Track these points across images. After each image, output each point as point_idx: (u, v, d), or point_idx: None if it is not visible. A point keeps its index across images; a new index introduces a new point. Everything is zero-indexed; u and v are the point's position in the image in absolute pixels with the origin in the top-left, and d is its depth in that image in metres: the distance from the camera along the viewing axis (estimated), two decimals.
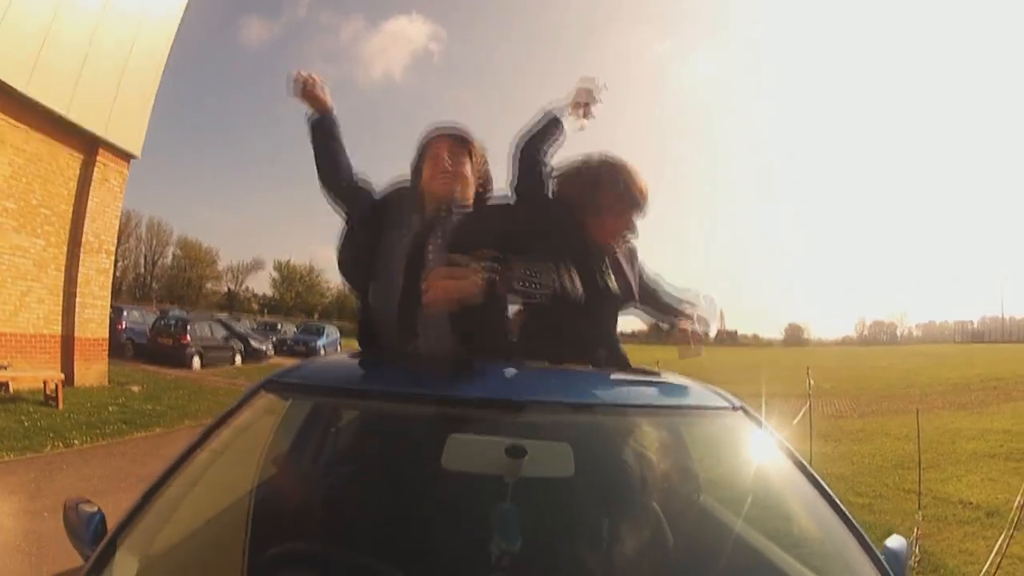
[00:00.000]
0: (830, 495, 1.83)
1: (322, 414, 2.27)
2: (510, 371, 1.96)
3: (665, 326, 2.60)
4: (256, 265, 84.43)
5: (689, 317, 2.53)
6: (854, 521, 1.76)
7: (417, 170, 2.36)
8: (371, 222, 2.35)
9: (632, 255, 2.58)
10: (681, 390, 2.10)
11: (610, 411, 1.93)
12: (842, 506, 1.80)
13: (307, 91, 2.38)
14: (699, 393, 2.10)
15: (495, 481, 1.67)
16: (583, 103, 2.45)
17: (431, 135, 2.36)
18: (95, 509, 1.76)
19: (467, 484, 1.79)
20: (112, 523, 1.71)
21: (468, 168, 2.30)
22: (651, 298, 2.63)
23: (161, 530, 1.72)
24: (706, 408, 2.03)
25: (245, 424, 1.91)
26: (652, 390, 2.09)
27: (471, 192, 2.33)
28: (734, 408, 2.03)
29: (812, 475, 1.89)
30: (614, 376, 2.13)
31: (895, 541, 1.95)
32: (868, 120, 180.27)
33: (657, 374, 2.25)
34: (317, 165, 2.41)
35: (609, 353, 2.39)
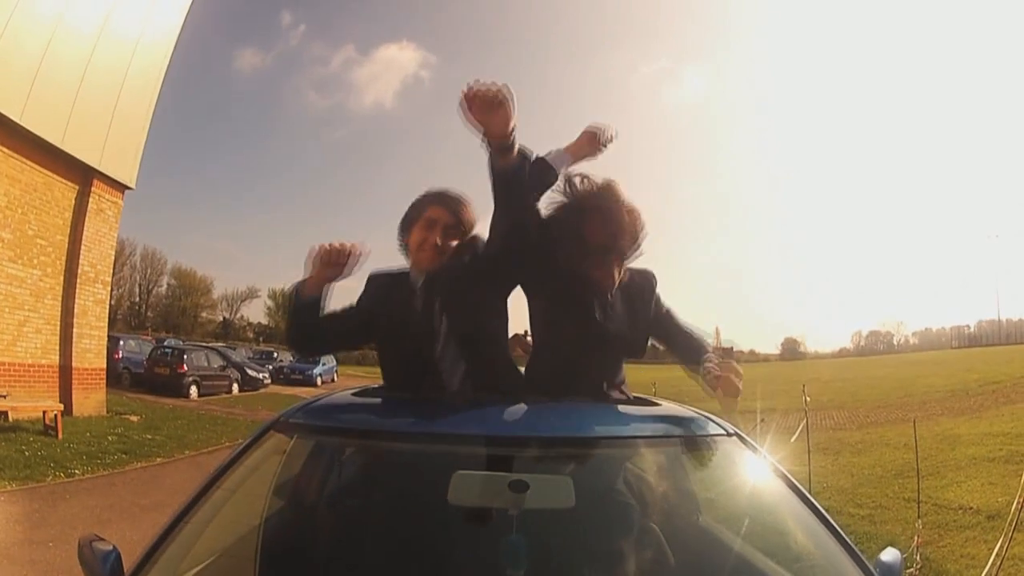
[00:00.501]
0: (824, 515, 1.88)
1: (331, 453, 2.31)
2: (512, 408, 2.05)
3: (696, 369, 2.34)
4: (250, 293, 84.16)
5: (714, 362, 2.27)
6: (847, 539, 1.81)
7: (407, 225, 2.41)
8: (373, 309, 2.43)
9: (642, 291, 2.50)
10: (677, 419, 2.17)
11: (608, 444, 2.03)
12: (836, 525, 1.85)
13: (331, 260, 2.25)
14: (694, 421, 2.15)
15: (500, 514, 1.75)
16: (585, 155, 2.40)
17: (430, 199, 2.38)
18: (110, 547, 1.78)
19: (473, 518, 1.87)
20: (126, 560, 1.76)
21: (455, 244, 2.34)
22: (668, 337, 2.52)
23: (177, 568, 1.76)
24: (702, 436, 2.08)
25: (256, 463, 1.97)
26: (649, 421, 2.19)
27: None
28: (729, 435, 2.09)
29: (806, 496, 1.94)
30: (612, 409, 2.22)
31: (889, 555, 1.97)
32: (860, 131, 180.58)
33: (655, 404, 2.33)
34: (294, 340, 2.54)
35: (612, 391, 2.43)
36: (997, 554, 4.72)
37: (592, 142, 2.43)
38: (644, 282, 2.53)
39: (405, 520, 2.00)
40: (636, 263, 2.44)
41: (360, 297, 2.48)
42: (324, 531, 2.15)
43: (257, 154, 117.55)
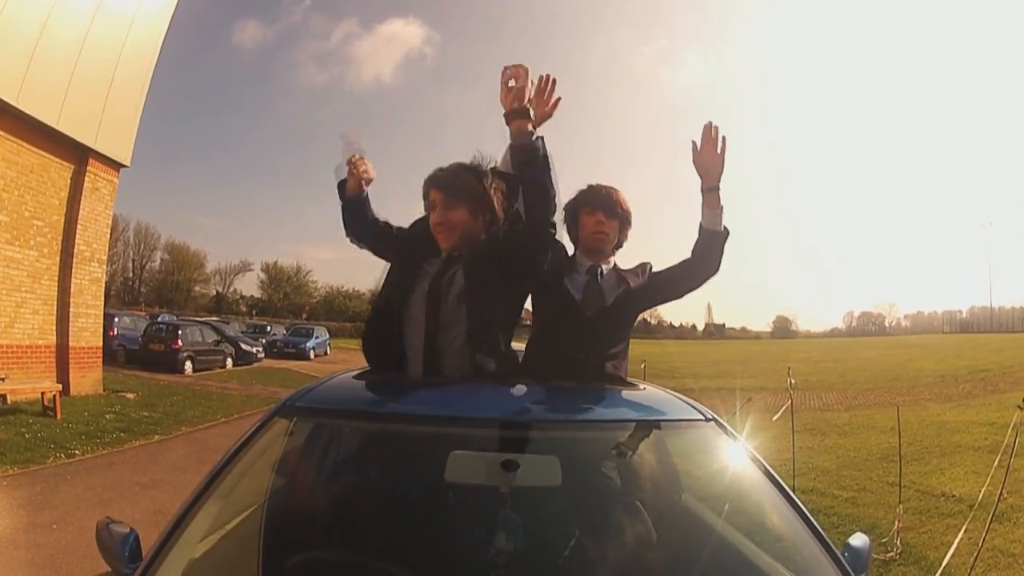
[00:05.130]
0: (795, 500, 1.99)
1: (335, 435, 2.42)
2: (505, 392, 2.22)
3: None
4: (244, 267, 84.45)
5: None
6: (816, 524, 1.92)
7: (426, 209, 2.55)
8: (400, 257, 2.59)
9: (636, 277, 2.81)
10: (657, 404, 2.33)
11: (591, 427, 2.16)
12: (805, 510, 1.96)
13: (355, 173, 2.64)
14: (674, 406, 2.30)
15: (493, 491, 1.91)
16: (511, 87, 2.38)
17: (428, 181, 2.50)
18: (128, 530, 1.89)
19: (469, 494, 2.02)
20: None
21: (460, 214, 2.42)
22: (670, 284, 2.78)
23: (193, 548, 1.83)
24: (680, 420, 2.21)
25: (264, 446, 2.08)
26: (631, 405, 2.34)
27: (478, 229, 2.46)
28: (706, 420, 2.20)
29: (779, 483, 2.04)
30: (597, 393, 2.37)
31: (858, 539, 2.09)
32: (855, 111, 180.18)
33: (639, 388, 2.49)
34: (344, 222, 2.68)
35: (605, 371, 2.64)
36: (975, 543, 4.76)
37: (515, 74, 2.40)
38: (639, 269, 2.85)
39: (402, 497, 2.12)
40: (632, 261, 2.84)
41: (405, 228, 2.68)
42: (324, 508, 2.26)
43: (253, 129, 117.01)
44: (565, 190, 2.62)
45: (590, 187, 2.85)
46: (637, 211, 2.88)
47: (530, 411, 2.15)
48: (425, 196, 2.52)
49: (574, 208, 2.83)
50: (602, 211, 2.76)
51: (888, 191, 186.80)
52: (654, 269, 2.83)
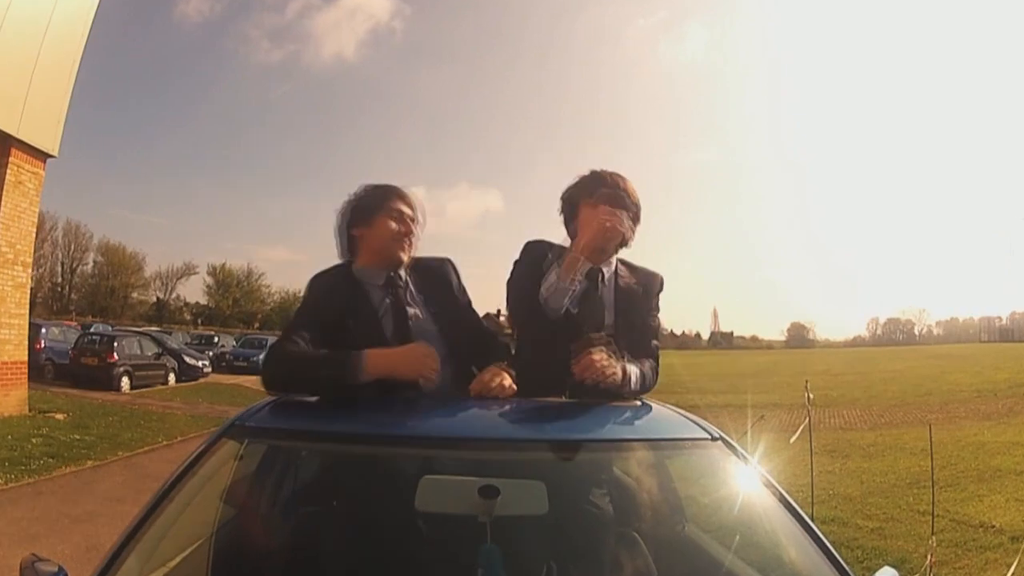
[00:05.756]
0: (813, 530, 1.97)
1: (290, 459, 2.41)
2: (482, 408, 2.20)
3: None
4: (187, 270, 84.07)
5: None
6: (839, 557, 1.89)
7: (366, 215, 2.56)
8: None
9: (642, 291, 2.71)
10: (658, 421, 2.31)
11: (583, 447, 2.13)
12: (826, 541, 1.93)
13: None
14: (677, 423, 2.29)
15: (471, 521, 1.87)
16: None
17: (392, 191, 2.60)
18: (55, 568, 1.84)
19: (443, 525, 2.00)
20: None
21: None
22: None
23: None
24: (684, 440, 2.20)
25: (210, 471, 2.05)
26: (628, 422, 2.31)
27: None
28: (713, 439, 2.17)
29: (795, 509, 2.02)
30: (589, 409, 2.30)
31: (887, 574, 2.01)
32: (882, 94, 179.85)
33: (636, 403, 2.45)
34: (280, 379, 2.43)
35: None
36: None
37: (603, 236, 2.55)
38: (648, 280, 2.74)
39: (369, 528, 2.11)
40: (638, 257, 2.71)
41: (309, 308, 2.57)
42: (280, 542, 2.24)
43: (198, 114, 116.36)
44: (549, 180, 2.61)
45: (594, 174, 2.69)
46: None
47: (512, 429, 2.13)
48: (381, 202, 2.56)
49: (574, 199, 2.70)
50: (608, 203, 2.57)
51: (919, 183, 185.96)
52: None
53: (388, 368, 2.20)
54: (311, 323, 2.42)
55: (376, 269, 2.54)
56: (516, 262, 2.70)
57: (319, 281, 2.59)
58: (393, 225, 2.50)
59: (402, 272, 2.57)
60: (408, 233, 2.52)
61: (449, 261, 2.75)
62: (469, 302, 2.75)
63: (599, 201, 2.59)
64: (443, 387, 2.37)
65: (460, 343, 2.54)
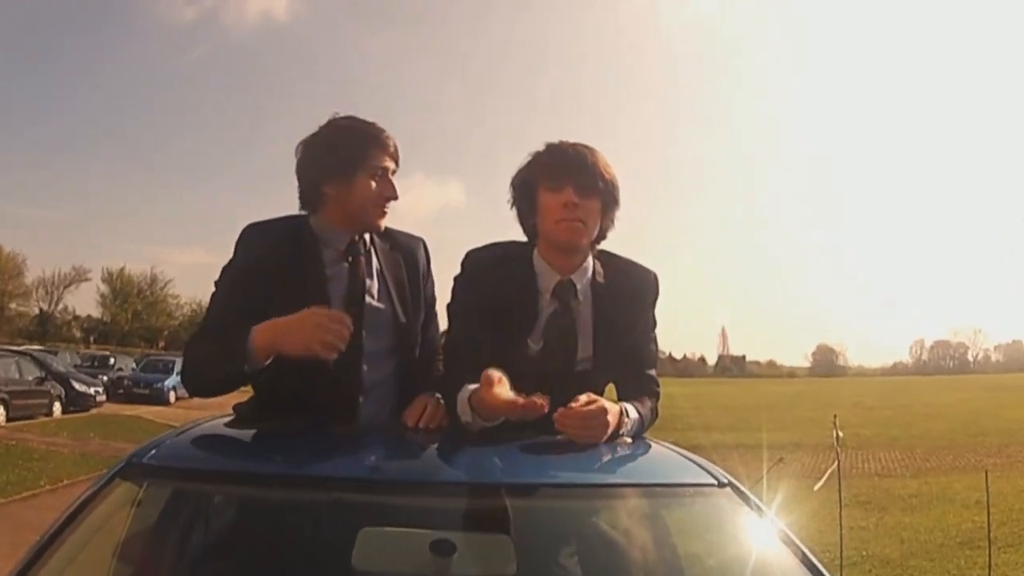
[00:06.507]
0: None
1: (200, 505, 2.37)
2: (437, 444, 2.18)
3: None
4: (78, 276, 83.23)
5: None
6: None
7: (341, 168, 2.43)
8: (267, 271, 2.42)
9: (633, 296, 2.58)
10: (653, 462, 2.31)
11: (559, 493, 2.10)
12: None
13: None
14: (677, 466, 2.28)
15: None
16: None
17: (372, 140, 2.47)
18: None
19: None
20: None
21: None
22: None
23: None
24: (685, 486, 2.18)
25: (100, 521, 2.01)
26: (617, 464, 2.30)
27: None
28: (720, 485, 2.14)
29: (820, 572, 1.96)
30: (571, 447, 2.20)
31: None
32: (931, 74, 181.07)
33: (629, 440, 2.41)
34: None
35: None
36: None
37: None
38: (638, 284, 2.61)
39: None
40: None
41: (239, 263, 2.47)
42: None
43: (93, 86, 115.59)
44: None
45: (550, 147, 2.48)
46: (627, 191, 2.56)
47: (473, 471, 2.08)
48: (360, 153, 2.44)
49: (529, 183, 2.50)
50: (572, 185, 2.36)
51: (972, 177, 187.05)
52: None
53: (272, 341, 2.16)
54: (236, 286, 2.42)
55: (341, 231, 2.50)
56: (456, 278, 2.60)
57: (258, 229, 2.51)
58: (375, 186, 2.44)
59: (367, 237, 2.55)
60: (392, 196, 2.48)
61: (423, 241, 2.74)
62: (435, 298, 2.73)
63: (561, 185, 2.38)
64: (385, 395, 2.41)
65: (414, 340, 2.55)
